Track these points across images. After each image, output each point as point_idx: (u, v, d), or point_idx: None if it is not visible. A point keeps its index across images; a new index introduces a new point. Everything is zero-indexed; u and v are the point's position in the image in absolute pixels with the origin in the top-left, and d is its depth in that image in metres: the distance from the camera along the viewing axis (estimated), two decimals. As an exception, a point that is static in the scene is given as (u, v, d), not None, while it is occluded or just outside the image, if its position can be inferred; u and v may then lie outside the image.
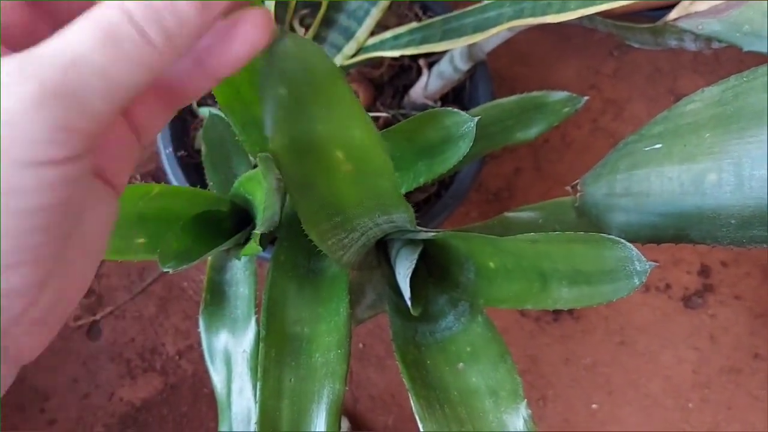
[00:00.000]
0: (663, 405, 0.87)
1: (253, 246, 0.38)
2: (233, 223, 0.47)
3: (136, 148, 0.28)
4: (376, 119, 0.71)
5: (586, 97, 0.49)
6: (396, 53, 0.55)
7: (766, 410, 0.86)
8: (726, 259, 0.91)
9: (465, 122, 0.37)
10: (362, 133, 0.31)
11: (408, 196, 0.39)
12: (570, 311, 0.89)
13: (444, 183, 0.73)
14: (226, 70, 0.26)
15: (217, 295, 0.48)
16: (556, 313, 0.89)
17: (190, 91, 0.28)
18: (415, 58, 0.76)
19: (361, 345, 0.87)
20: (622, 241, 0.31)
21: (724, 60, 0.99)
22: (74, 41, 0.21)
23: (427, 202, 0.74)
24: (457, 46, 0.51)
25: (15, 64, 0.20)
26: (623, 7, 0.44)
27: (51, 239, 0.22)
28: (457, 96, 0.78)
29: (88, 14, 0.21)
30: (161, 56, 0.22)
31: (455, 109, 0.37)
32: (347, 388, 0.38)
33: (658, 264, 0.31)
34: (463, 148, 0.37)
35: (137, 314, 0.90)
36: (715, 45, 0.45)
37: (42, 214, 0.21)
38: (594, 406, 0.87)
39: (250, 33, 0.25)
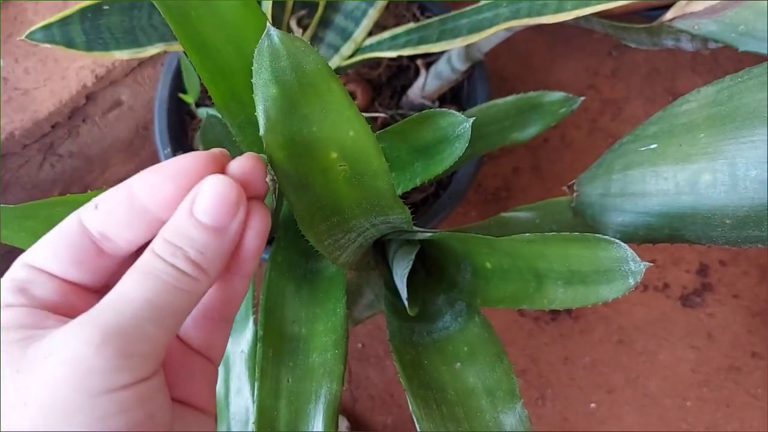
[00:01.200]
0: (661, 404, 0.87)
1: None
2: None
3: (211, 370, 0.31)
4: (374, 120, 0.72)
5: (582, 98, 0.50)
6: (393, 54, 0.55)
7: (764, 408, 0.86)
8: (724, 258, 0.91)
9: (460, 123, 0.37)
10: (357, 133, 0.31)
11: (406, 196, 0.39)
12: (568, 311, 0.89)
13: (442, 183, 0.73)
14: (250, 264, 0.29)
15: (215, 296, 0.48)
16: (555, 312, 0.90)
17: (232, 297, 0.30)
18: (413, 58, 0.77)
19: (360, 345, 0.87)
20: (617, 241, 0.31)
21: (722, 60, 0.99)
22: (123, 287, 0.25)
23: (426, 202, 0.74)
24: (453, 46, 0.51)
25: (76, 322, 0.24)
26: (621, 7, 0.44)
27: None
28: (455, 96, 0.78)
29: (132, 266, 0.26)
30: (197, 281, 0.26)
31: (451, 110, 0.37)
32: (345, 388, 0.38)
33: (653, 264, 0.31)
34: (459, 148, 0.37)
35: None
36: (712, 45, 0.45)
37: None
38: (593, 405, 0.87)
39: (255, 223, 0.28)
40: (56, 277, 0.27)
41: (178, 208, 0.26)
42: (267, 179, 0.29)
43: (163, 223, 0.27)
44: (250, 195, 0.28)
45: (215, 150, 0.28)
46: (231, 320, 0.32)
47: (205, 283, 0.27)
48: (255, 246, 0.29)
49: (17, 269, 0.26)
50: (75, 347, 0.23)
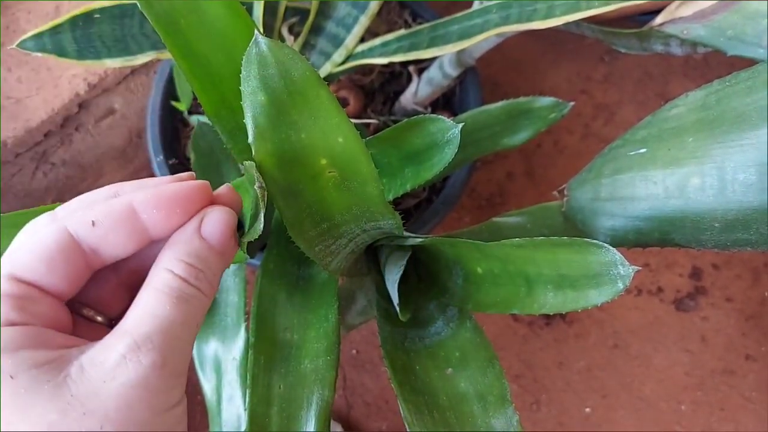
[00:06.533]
0: (656, 407, 0.87)
1: (240, 254, 0.38)
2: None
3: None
4: (366, 126, 0.72)
5: (571, 103, 0.50)
6: (384, 60, 0.55)
7: (758, 411, 0.86)
8: (717, 261, 0.91)
9: (449, 128, 0.37)
10: (346, 139, 0.31)
11: (398, 202, 0.39)
12: (562, 316, 0.89)
13: (435, 188, 0.73)
14: None
15: (207, 303, 0.48)
16: (549, 317, 0.90)
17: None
18: (405, 64, 0.77)
19: (354, 351, 0.87)
20: (606, 245, 0.32)
21: (713, 64, 0.99)
22: (161, 310, 0.26)
23: (419, 207, 0.74)
24: (444, 52, 0.52)
25: (128, 345, 0.25)
26: (611, 12, 0.44)
27: None
28: (448, 102, 0.78)
29: (154, 286, 0.27)
30: (209, 301, 0.29)
31: (440, 116, 0.37)
32: (339, 395, 0.38)
33: (641, 268, 0.31)
34: (449, 154, 0.37)
35: (130, 322, 0.90)
36: (701, 50, 0.45)
37: None
38: (587, 409, 0.87)
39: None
40: (47, 291, 0.26)
41: (183, 231, 0.28)
42: (256, 186, 0.29)
43: (150, 240, 0.28)
44: None
45: (204, 182, 0.30)
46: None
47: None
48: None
49: (5, 284, 0.25)
50: (141, 371, 0.24)
